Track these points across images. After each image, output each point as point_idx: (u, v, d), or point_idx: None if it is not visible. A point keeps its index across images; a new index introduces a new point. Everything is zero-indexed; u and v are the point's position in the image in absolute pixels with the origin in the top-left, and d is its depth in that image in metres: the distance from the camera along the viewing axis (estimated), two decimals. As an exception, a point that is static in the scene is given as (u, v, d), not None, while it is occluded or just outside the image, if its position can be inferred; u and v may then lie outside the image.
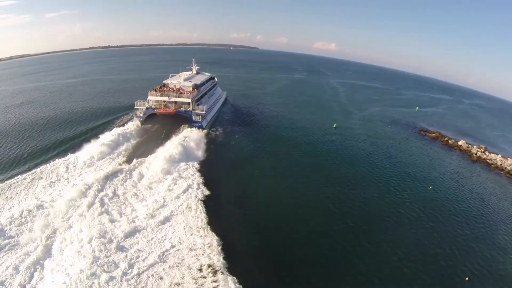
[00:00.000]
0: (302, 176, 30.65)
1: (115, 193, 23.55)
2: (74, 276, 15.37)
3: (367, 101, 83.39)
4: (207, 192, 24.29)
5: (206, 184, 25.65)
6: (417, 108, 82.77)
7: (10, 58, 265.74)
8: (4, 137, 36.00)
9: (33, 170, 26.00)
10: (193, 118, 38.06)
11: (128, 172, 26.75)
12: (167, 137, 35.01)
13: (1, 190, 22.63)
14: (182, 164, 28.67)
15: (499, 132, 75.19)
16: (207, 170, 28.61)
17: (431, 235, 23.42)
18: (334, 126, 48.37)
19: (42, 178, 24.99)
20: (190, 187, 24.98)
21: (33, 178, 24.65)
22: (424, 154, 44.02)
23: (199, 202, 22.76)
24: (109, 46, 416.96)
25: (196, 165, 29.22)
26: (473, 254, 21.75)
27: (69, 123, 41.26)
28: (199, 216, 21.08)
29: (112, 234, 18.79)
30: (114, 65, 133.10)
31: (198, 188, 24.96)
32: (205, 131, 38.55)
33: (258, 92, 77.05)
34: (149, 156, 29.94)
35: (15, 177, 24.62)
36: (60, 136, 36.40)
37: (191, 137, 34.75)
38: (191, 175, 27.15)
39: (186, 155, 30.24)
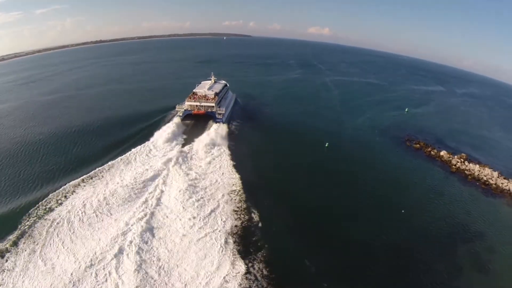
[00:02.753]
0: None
1: (184, 163, 40.81)
2: (177, 201, 32.38)
3: (359, 106, 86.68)
4: (233, 158, 43.08)
5: (232, 154, 44.27)
6: (406, 110, 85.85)
7: (3, 59, 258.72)
8: (91, 134, 51.56)
9: (126, 153, 42.06)
10: (217, 116, 54.59)
11: (185, 152, 44.11)
12: (201, 129, 52.49)
13: (113, 165, 38.87)
14: (216, 145, 46.45)
15: (485, 130, 78.99)
16: (231, 148, 46.63)
17: (397, 261, 28.24)
18: (326, 145, 51.93)
19: (137, 153, 42.52)
20: (222, 157, 43.32)
21: (117, 162, 39.85)
22: (405, 169, 48.42)
23: (229, 164, 41.47)
24: (101, 41, 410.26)
25: (224, 146, 46.91)
26: (431, 277, 26.53)
27: (127, 123, 55.75)
28: (230, 172, 39.36)
29: (187, 183, 35.85)
30: (113, 69, 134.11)
31: (227, 157, 43.38)
32: (225, 124, 55.24)
33: (257, 102, 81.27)
34: (195, 140, 47.78)
35: (110, 161, 39.99)
36: (128, 132, 51.55)
37: (218, 129, 51.50)
38: (222, 151, 45.14)
39: (217, 140, 48.00)
